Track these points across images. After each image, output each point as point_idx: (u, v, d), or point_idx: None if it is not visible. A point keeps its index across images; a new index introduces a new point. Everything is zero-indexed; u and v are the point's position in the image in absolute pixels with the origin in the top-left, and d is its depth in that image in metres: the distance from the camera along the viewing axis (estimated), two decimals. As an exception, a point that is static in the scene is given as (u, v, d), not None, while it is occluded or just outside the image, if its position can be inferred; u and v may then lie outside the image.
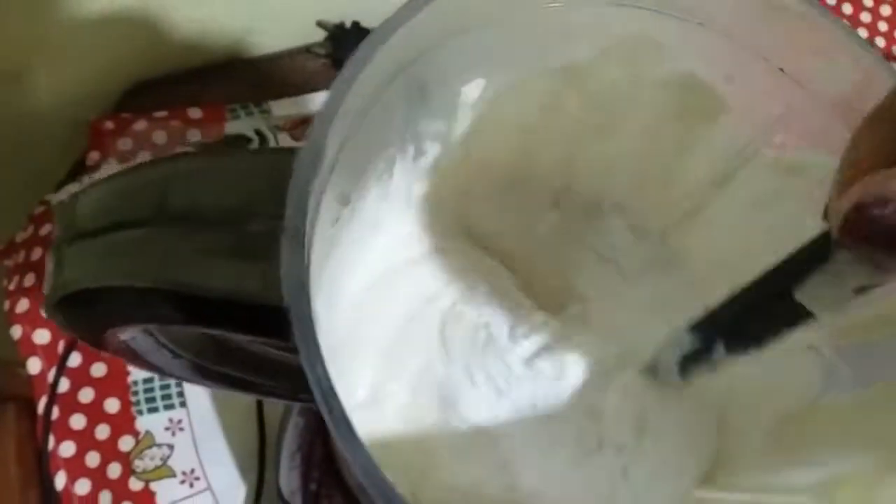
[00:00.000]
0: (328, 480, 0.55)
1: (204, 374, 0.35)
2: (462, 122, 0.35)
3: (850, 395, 0.32)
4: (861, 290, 0.28)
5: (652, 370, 0.38)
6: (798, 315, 0.30)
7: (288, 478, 0.59)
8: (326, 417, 0.23)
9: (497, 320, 0.40)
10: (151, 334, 0.30)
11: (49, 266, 0.26)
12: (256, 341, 0.35)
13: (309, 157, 0.23)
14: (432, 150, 0.35)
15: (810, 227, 0.34)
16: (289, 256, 0.23)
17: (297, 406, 0.58)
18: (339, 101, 0.24)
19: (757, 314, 0.32)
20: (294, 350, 0.23)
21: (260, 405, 0.64)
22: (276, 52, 0.72)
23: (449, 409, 0.38)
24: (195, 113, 0.67)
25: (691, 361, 0.35)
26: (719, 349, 0.33)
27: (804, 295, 0.29)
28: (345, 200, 0.30)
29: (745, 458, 0.35)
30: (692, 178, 0.37)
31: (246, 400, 0.64)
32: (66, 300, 0.26)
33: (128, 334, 0.29)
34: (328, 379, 0.22)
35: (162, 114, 0.67)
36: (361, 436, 0.23)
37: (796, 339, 0.34)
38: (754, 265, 0.36)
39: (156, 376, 0.64)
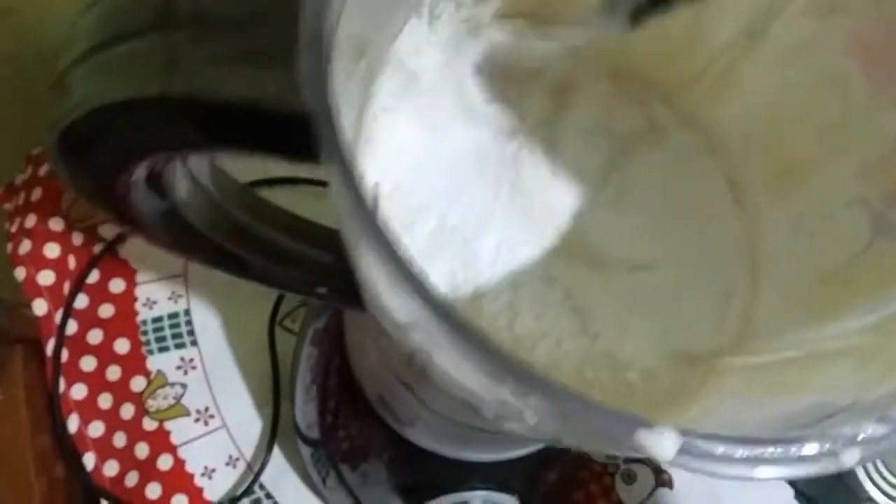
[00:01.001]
0: (344, 409, 0.54)
1: (211, 254, 0.34)
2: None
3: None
4: None
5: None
6: None
7: (304, 411, 0.58)
8: (360, 238, 0.21)
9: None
10: (159, 190, 0.28)
11: (54, 96, 0.24)
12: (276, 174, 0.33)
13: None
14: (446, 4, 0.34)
15: (851, 74, 0.33)
16: (308, 62, 0.21)
17: (308, 335, 0.57)
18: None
19: None
20: (316, 160, 0.22)
21: (272, 340, 0.63)
22: None
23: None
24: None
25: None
26: None
27: None
28: (360, 52, 0.28)
29: (783, 319, 0.34)
30: (720, 39, 0.36)
31: (257, 333, 0.63)
32: (73, 135, 0.24)
33: (136, 176, 0.27)
34: (353, 179, 0.21)
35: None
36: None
37: (837, 191, 0.33)
38: (795, 122, 0.35)
39: (165, 315, 0.63)
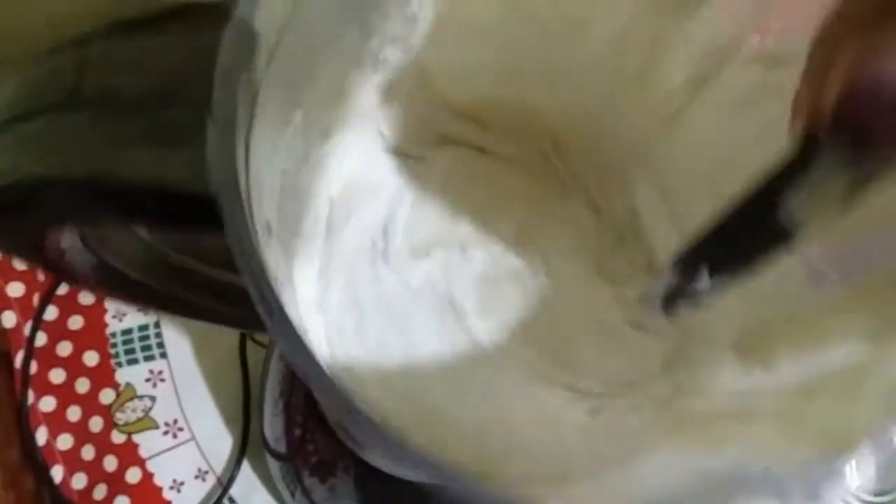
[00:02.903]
0: (311, 424, 0.54)
1: (155, 299, 0.34)
2: (421, 25, 0.33)
3: (831, 298, 0.30)
4: (853, 190, 0.25)
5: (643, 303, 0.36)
6: (785, 234, 0.28)
7: (272, 425, 0.58)
8: (265, 318, 0.21)
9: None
10: (91, 248, 0.28)
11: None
12: (192, 253, 0.33)
13: (236, 38, 0.21)
14: (392, 55, 0.33)
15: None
16: (217, 144, 0.21)
17: (277, 349, 0.57)
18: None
19: (741, 239, 0.30)
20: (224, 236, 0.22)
21: (243, 353, 0.63)
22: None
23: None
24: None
25: (675, 296, 0.33)
26: (703, 279, 0.31)
27: (789, 211, 0.27)
28: (295, 102, 0.28)
29: (708, 371, 0.34)
30: (671, 81, 0.36)
31: (227, 347, 0.63)
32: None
33: (65, 242, 0.27)
34: (264, 274, 0.21)
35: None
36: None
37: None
38: (738, 173, 0.35)
39: (135, 327, 0.63)
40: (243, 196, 0.21)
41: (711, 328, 0.36)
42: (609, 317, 0.40)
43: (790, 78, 0.32)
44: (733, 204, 0.29)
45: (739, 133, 0.35)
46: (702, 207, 0.37)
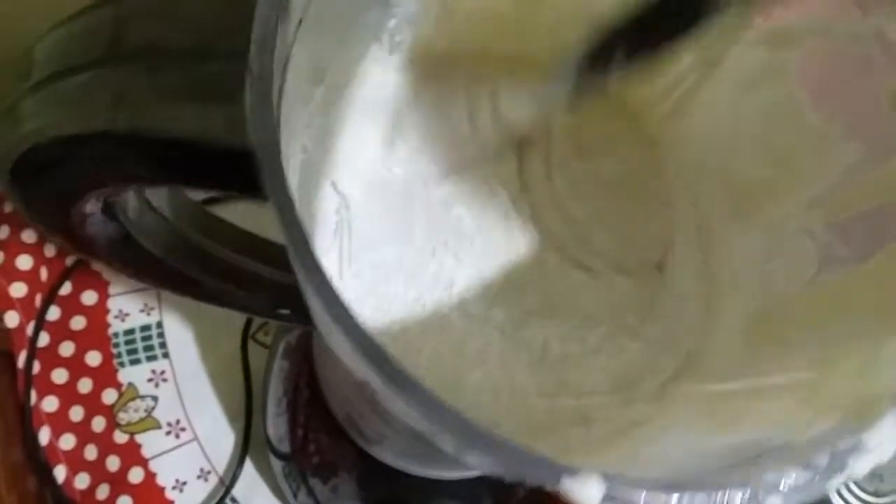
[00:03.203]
0: (314, 423, 0.54)
1: (173, 279, 0.34)
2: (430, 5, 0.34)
3: (843, 274, 0.31)
4: None
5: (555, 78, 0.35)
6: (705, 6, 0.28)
7: (275, 424, 0.58)
8: (301, 274, 0.22)
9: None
10: (113, 218, 0.29)
11: (5, 126, 0.24)
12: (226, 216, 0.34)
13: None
14: (406, 35, 0.34)
15: (803, 104, 0.33)
16: (253, 97, 0.21)
17: (280, 348, 0.57)
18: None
19: (660, 13, 0.30)
20: (263, 198, 0.22)
21: (244, 353, 0.63)
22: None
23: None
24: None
25: (589, 68, 0.32)
26: (619, 56, 0.31)
27: None
28: (318, 78, 0.28)
29: (731, 349, 0.34)
30: (680, 61, 0.36)
31: (229, 346, 0.63)
32: (24, 165, 0.24)
33: (89, 208, 0.27)
34: (300, 227, 0.21)
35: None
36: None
37: (787, 219, 0.33)
38: (747, 151, 0.35)
39: (137, 327, 0.63)
40: (281, 150, 0.21)
41: (720, 315, 0.36)
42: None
43: (795, 57, 0.33)
44: None
45: (748, 112, 0.35)
46: (711, 185, 0.37)
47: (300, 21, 0.24)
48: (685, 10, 0.28)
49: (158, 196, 0.31)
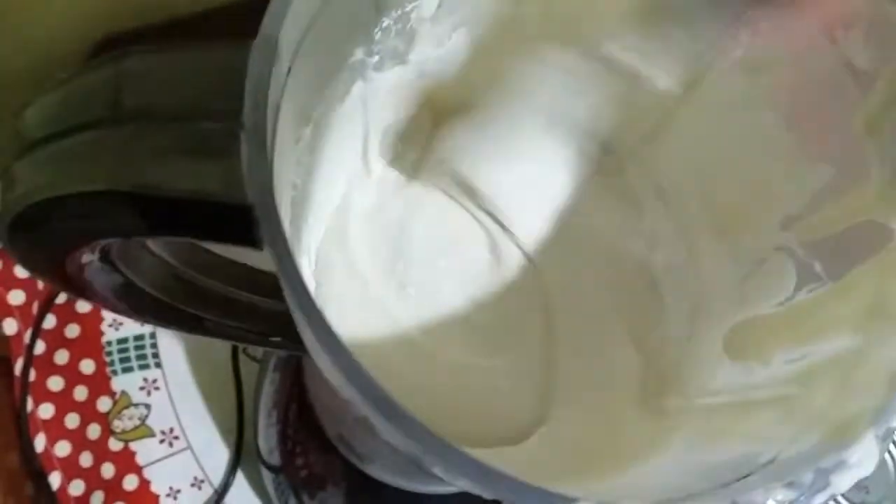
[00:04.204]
0: (303, 437, 0.55)
1: (170, 316, 0.35)
2: (419, 42, 0.34)
3: (821, 292, 0.32)
4: None
5: None
6: None
7: (266, 435, 0.59)
8: (299, 319, 0.23)
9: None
10: (110, 264, 0.29)
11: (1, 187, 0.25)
12: (221, 266, 0.34)
13: (264, 50, 0.23)
14: (391, 72, 0.35)
15: (775, 127, 0.34)
16: (250, 153, 0.22)
17: (272, 362, 0.58)
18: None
19: None
20: (259, 248, 0.23)
21: (235, 363, 0.64)
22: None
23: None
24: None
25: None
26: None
27: None
28: (305, 118, 0.29)
29: (708, 366, 0.35)
30: (657, 89, 0.37)
31: (221, 358, 0.64)
32: (22, 223, 0.25)
33: (85, 258, 0.28)
34: (299, 276, 0.22)
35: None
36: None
37: (764, 238, 0.34)
38: (729, 173, 0.36)
39: (130, 336, 0.64)
40: (277, 202, 0.22)
41: (701, 329, 0.37)
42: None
43: (770, 83, 0.34)
44: None
45: (724, 135, 0.36)
46: (692, 207, 0.38)
47: (289, 69, 0.25)
48: None
49: (156, 241, 0.32)
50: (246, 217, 0.22)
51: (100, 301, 0.32)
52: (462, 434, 0.33)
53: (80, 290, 0.30)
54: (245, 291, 0.36)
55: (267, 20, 0.23)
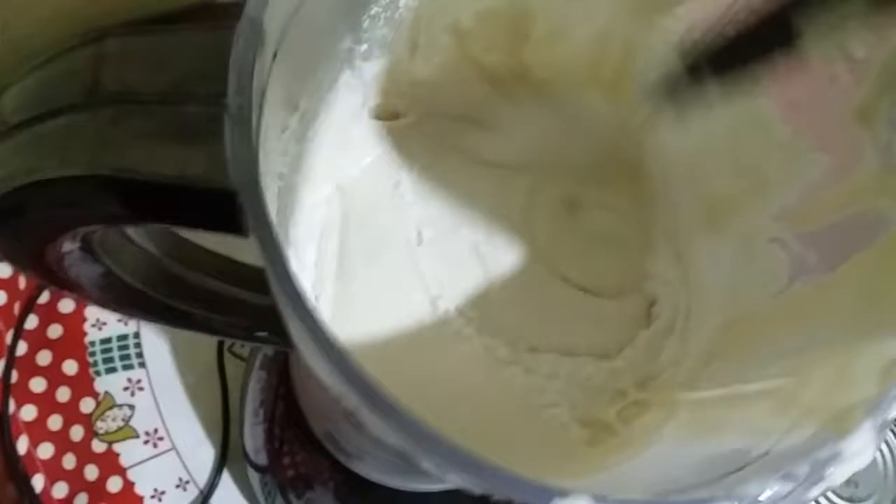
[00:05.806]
0: (290, 436, 0.54)
1: (153, 308, 0.34)
2: (401, 29, 0.34)
3: (815, 284, 0.31)
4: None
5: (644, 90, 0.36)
6: (791, 37, 0.29)
7: (252, 434, 0.58)
8: (285, 307, 0.22)
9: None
10: (92, 254, 0.29)
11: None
12: (206, 259, 0.34)
13: (247, 32, 0.22)
14: (378, 60, 0.34)
15: (772, 117, 0.34)
16: (233, 137, 0.22)
17: (258, 360, 0.57)
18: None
19: (750, 37, 0.31)
20: (244, 235, 0.22)
21: (221, 363, 0.63)
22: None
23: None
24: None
25: (677, 84, 0.34)
26: (707, 73, 0.32)
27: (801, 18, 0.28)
28: (292, 106, 0.29)
29: (706, 357, 0.35)
30: (647, 81, 0.36)
31: (206, 358, 0.64)
32: (0, 210, 0.24)
33: (65, 248, 0.27)
34: (284, 263, 0.21)
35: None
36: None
37: (758, 230, 0.34)
38: (716, 167, 0.36)
39: (114, 336, 0.63)
40: (261, 188, 0.21)
41: (694, 322, 0.37)
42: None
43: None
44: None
45: (717, 125, 0.35)
46: (685, 197, 0.38)
47: (275, 54, 0.24)
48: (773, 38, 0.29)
49: (138, 230, 0.31)
50: (230, 203, 0.21)
51: (81, 293, 0.31)
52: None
53: (62, 281, 0.30)
54: (229, 284, 0.35)
55: (251, 2, 0.23)
